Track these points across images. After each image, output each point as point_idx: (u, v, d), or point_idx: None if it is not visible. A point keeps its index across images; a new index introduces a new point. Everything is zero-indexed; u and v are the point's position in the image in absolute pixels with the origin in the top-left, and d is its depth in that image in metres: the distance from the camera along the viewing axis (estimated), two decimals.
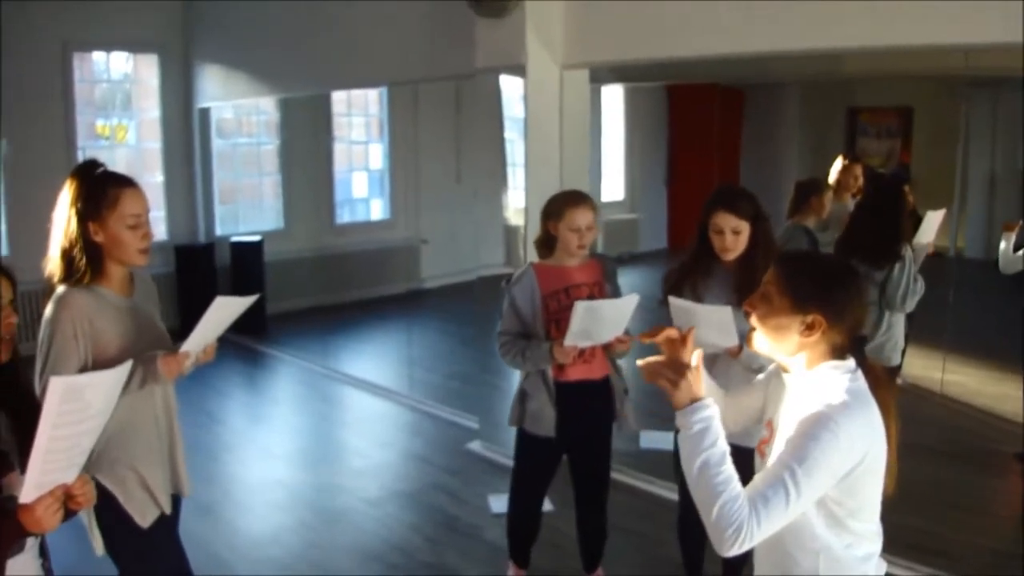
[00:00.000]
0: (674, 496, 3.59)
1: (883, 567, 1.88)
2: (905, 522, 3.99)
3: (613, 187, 12.20)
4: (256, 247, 8.37)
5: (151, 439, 2.55)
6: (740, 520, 1.62)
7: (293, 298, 9.05)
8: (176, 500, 2.71)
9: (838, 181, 5.45)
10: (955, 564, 3.85)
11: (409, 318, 9.46)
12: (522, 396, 3.39)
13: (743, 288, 2.91)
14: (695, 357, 1.76)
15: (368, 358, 8.08)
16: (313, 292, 9.34)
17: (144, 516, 2.50)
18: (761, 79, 9.38)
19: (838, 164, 5.53)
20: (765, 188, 4.60)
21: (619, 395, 3.39)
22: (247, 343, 7.92)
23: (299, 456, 5.56)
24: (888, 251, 4.18)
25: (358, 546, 4.22)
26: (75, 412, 1.79)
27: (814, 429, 1.68)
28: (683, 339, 1.78)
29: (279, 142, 9.32)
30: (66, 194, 2.43)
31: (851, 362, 1.82)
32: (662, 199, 12.04)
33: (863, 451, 1.72)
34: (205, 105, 8.28)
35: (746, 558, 3.18)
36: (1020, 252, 4.79)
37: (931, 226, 4.66)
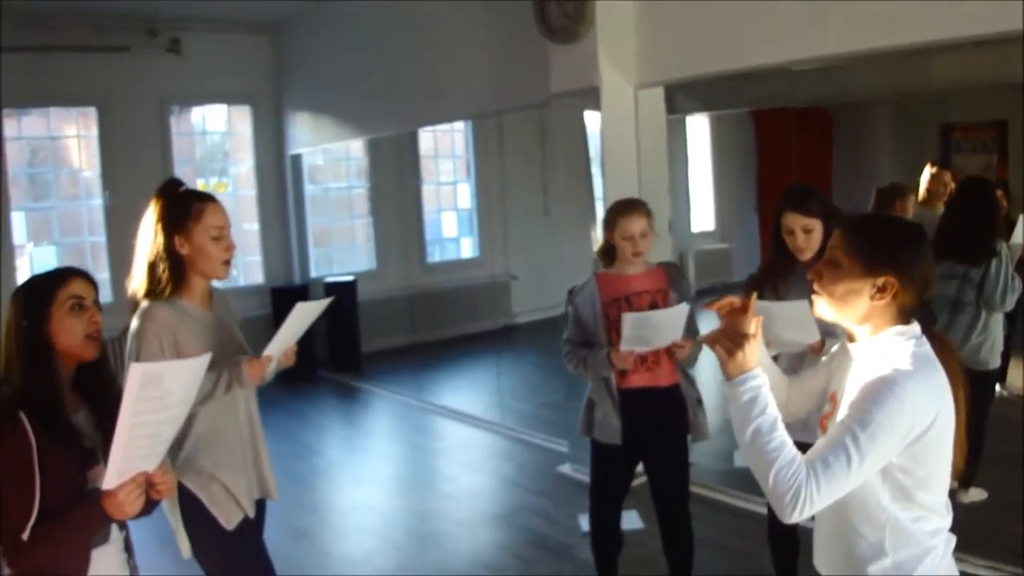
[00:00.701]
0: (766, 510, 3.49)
1: (952, 542, 1.79)
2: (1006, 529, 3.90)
3: (703, 218, 12.08)
4: (350, 287, 8.58)
5: (235, 445, 2.62)
6: (798, 484, 1.60)
7: (386, 336, 9.22)
8: (261, 506, 2.78)
9: (928, 189, 5.30)
10: None
11: (500, 352, 9.52)
12: (589, 405, 3.40)
13: None
14: (754, 326, 1.74)
15: (460, 391, 8.16)
16: (406, 330, 9.50)
17: (229, 519, 2.56)
18: (848, 99, 9.20)
19: (927, 172, 5.38)
20: (860, 210, 4.52)
21: (690, 404, 3.35)
22: (343, 379, 8.10)
23: (392, 483, 5.65)
24: (982, 246, 4.04)
25: (448, 566, 4.24)
26: (154, 400, 1.85)
27: (878, 393, 1.64)
28: (744, 308, 1.77)
29: (369, 185, 9.59)
30: (151, 212, 2.55)
31: (916, 327, 1.77)
32: (754, 227, 11.82)
33: (930, 416, 1.66)
34: (296, 152, 8.60)
35: None
36: None
37: None
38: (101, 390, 2.13)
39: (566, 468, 5.42)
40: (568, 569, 4.11)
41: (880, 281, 1.73)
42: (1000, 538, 3.83)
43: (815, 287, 1.83)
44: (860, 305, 1.77)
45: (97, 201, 7.88)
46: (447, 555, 4.38)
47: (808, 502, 1.60)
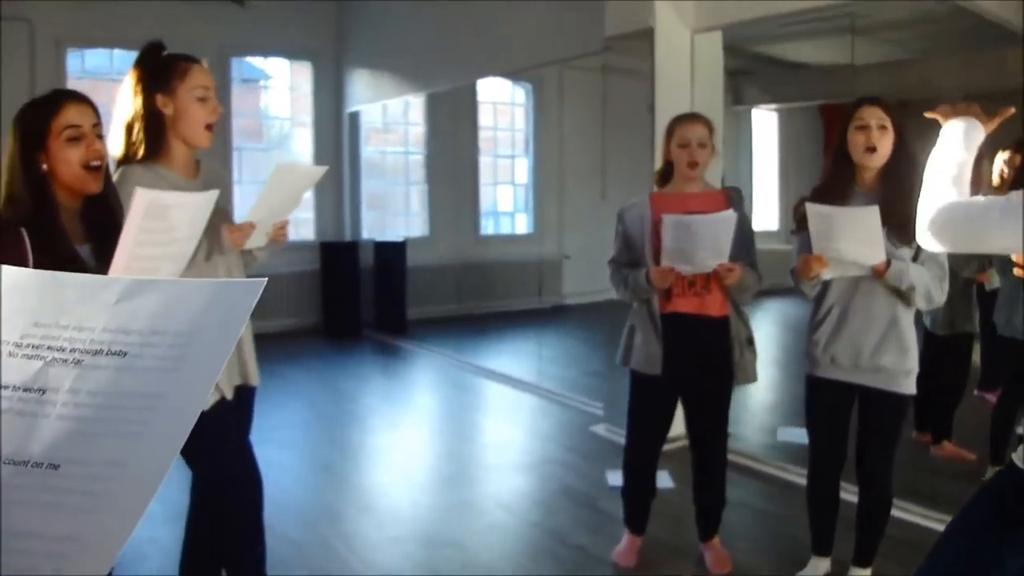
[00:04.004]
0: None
1: None
2: None
3: (767, 216, 11.72)
4: (399, 247, 8.54)
5: None
6: None
7: (433, 304, 9.16)
8: (248, 392, 2.61)
9: (1000, 174, 5.00)
10: None
11: (547, 327, 9.39)
12: (630, 332, 3.19)
13: (889, 208, 2.61)
14: None
15: (502, 355, 8.05)
16: (453, 300, 9.43)
17: None
18: (920, 94, 8.88)
19: (1000, 156, 5.07)
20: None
21: (738, 340, 3.08)
22: (386, 339, 8.06)
23: (421, 428, 5.57)
24: None
25: (465, 504, 4.12)
26: (159, 232, 1.76)
27: None
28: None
29: (426, 153, 9.55)
30: (131, 74, 2.36)
31: None
32: None
33: None
34: (354, 109, 8.58)
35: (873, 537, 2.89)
36: None
37: None
38: (107, 222, 2.00)
39: (600, 428, 5.26)
40: (589, 518, 3.95)
41: None
42: None
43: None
44: None
45: None
46: (466, 494, 4.26)
47: None
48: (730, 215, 2.85)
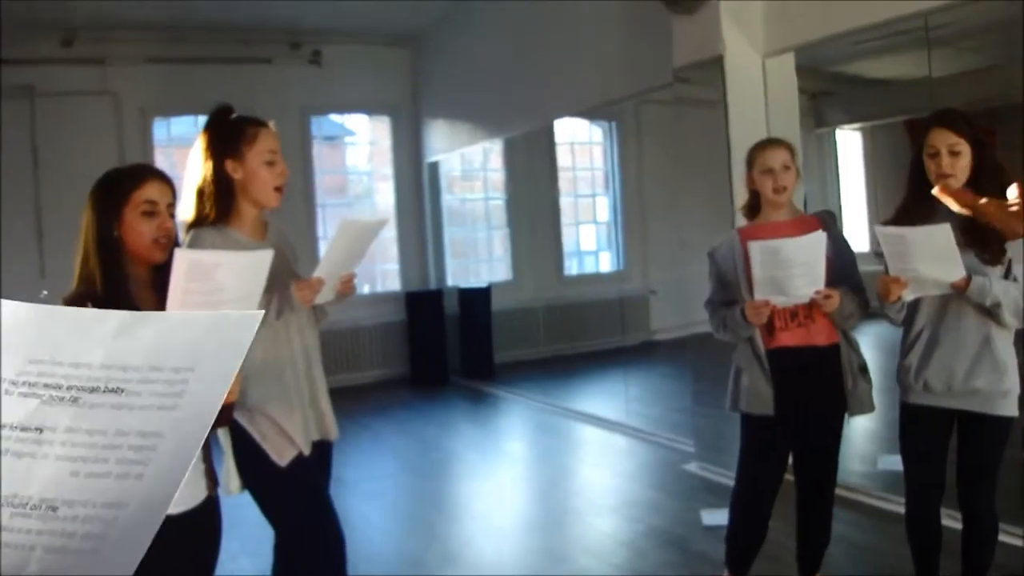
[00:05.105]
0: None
1: None
2: None
3: (857, 238, 11.38)
4: (484, 292, 8.56)
5: (288, 379, 2.45)
6: None
7: (520, 348, 9.11)
8: (326, 447, 2.63)
9: None
10: None
11: (634, 366, 9.24)
12: (736, 374, 3.03)
13: (972, 227, 2.46)
14: None
15: (590, 396, 7.94)
16: (540, 343, 9.37)
17: (281, 455, 2.40)
18: (1005, 100, 8.52)
19: None
20: None
21: (849, 368, 2.91)
22: (473, 386, 8.05)
23: (505, 474, 5.50)
24: None
25: (550, 551, 4.02)
26: (204, 293, 1.78)
27: None
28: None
29: (506, 197, 9.59)
30: (201, 139, 2.43)
31: None
32: None
33: None
34: (433, 159, 8.70)
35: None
36: None
37: None
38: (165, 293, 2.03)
39: (692, 466, 5.11)
40: (678, 558, 3.82)
41: None
42: None
43: None
44: None
45: None
46: (550, 541, 4.17)
47: None
48: (819, 235, 2.72)
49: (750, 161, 3.00)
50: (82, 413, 0.71)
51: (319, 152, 8.54)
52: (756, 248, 2.70)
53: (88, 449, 0.71)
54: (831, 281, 2.78)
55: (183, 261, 1.75)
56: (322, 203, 8.41)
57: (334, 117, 8.84)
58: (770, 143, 3.00)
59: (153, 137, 7.67)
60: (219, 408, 0.72)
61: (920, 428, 2.78)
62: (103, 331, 0.73)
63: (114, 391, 0.73)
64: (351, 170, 9.06)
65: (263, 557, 3.22)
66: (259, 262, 1.94)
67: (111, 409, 0.72)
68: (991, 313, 2.57)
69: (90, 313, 0.74)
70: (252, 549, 3.66)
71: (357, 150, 9.12)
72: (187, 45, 7.53)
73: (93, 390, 0.73)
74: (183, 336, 0.74)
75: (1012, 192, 1.40)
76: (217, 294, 1.84)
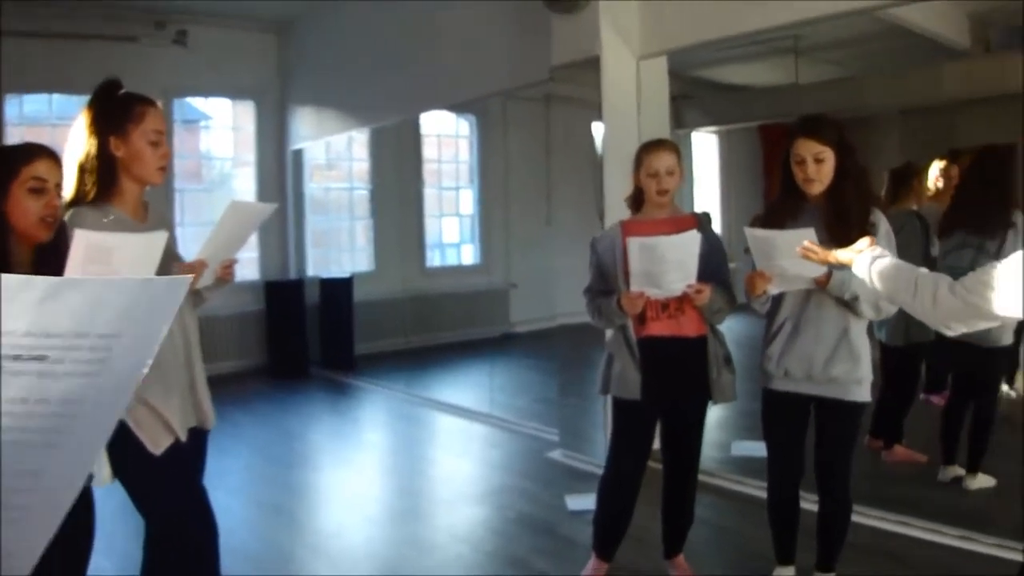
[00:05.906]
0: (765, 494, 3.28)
1: None
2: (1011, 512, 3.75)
3: None
4: (346, 283, 8.43)
5: (167, 367, 2.35)
6: None
7: (381, 339, 9.03)
8: (202, 435, 2.56)
9: (935, 184, 5.11)
10: None
11: (496, 357, 9.34)
12: (608, 360, 3.16)
13: (834, 224, 2.70)
14: None
15: (453, 387, 7.98)
16: (402, 334, 9.32)
17: (157, 443, 2.31)
18: (857, 111, 9.08)
19: (936, 166, 5.20)
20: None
21: (714, 359, 3.06)
22: (334, 377, 7.93)
23: (372, 465, 5.48)
24: (996, 217, 3.86)
25: (421, 539, 4.03)
26: (102, 275, 1.71)
27: None
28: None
29: (371, 187, 9.48)
30: (85, 114, 2.34)
31: None
32: None
33: None
34: (298, 147, 8.50)
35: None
36: None
37: None
38: (59, 270, 1.96)
39: (556, 454, 5.21)
40: (548, 544, 3.89)
41: None
42: (1005, 520, 3.70)
43: None
44: None
45: None
46: (421, 529, 4.17)
47: None
48: (693, 235, 2.85)
49: (638, 161, 3.11)
50: (6, 380, 0.69)
51: (178, 136, 8.19)
52: (635, 244, 2.83)
53: (9, 418, 0.69)
54: (703, 277, 2.92)
55: (82, 242, 1.68)
56: (180, 188, 8.07)
57: (196, 101, 8.49)
58: (657, 145, 3.10)
59: (4, 115, 7.11)
60: (142, 375, 0.71)
61: (781, 413, 2.96)
62: (29, 297, 0.70)
63: (36, 359, 0.71)
64: (208, 155, 8.72)
65: (123, 557, 3.09)
66: (154, 244, 1.88)
67: (34, 377, 0.70)
68: (849, 306, 2.75)
69: (16, 279, 0.71)
70: (108, 547, 3.48)
71: (215, 134, 8.78)
72: (44, 19, 7.04)
73: (16, 358, 0.70)
74: (113, 301, 0.73)
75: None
76: (113, 276, 1.76)
